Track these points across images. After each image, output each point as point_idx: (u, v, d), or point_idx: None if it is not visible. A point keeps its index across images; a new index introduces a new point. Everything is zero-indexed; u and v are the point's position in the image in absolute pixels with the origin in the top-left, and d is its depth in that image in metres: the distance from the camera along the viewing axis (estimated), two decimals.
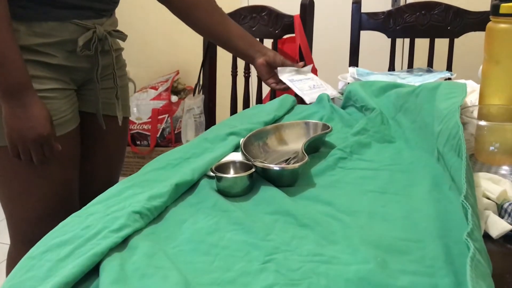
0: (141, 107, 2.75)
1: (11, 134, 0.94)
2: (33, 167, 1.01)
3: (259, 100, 1.77)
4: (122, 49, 1.25)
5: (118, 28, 1.18)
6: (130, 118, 2.70)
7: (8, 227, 1.09)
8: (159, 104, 2.75)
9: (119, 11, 1.19)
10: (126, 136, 1.31)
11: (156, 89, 2.78)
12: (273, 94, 1.71)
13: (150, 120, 2.76)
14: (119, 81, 1.20)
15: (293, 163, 0.84)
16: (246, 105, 1.81)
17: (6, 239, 1.13)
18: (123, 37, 1.18)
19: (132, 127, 2.77)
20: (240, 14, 1.75)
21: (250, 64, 1.76)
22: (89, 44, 1.06)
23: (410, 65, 1.70)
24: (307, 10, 1.61)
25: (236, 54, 1.37)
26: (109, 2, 1.10)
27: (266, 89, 1.77)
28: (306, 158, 0.79)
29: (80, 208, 0.72)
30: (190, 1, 1.29)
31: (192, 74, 2.92)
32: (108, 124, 1.18)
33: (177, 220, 0.69)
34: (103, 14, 1.10)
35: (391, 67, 1.71)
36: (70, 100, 1.08)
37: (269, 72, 1.28)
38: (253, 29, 1.72)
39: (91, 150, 1.20)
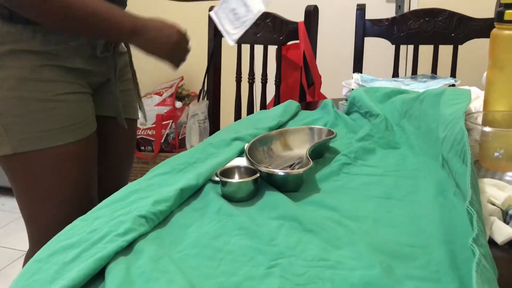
0: (145, 113, 2.76)
1: (164, 54, 1.04)
2: (55, 172, 1.01)
3: (263, 106, 1.77)
4: (127, 52, 1.25)
5: None
6: None
7: (28, 231, 1.08)
8: (164, 109, 2.75)
9: None
10: (135, 139, 1.32)
11: (161, 95, 2.79)
12: (277, 100, 1.72)
13: (154, 125, 2.76)
14: (126, 84, 1.21)
15: (298, 169, 0.84)
16: (250, 110, 1.82)
17: (10, 244, 1.13)
18: None
19: (137, 132, 2.78)
20: None
21: (254, 70, 1.77)
22: (108, 45, 1.08)
23: (414, 71, 1.70)
24: (312, 16, 1.62)
25: None
26: (121, 2, 1.11)
27: (270, 95, 1.78)
28: (311, 163, 0.79)
29: None
30: None
31: (196, 80, 2.93)
32: (119, 127, 1.19)
33: (182, 225, 0.70)
34: None
35: (395, 74, 1.71)
36: (89, 104, 1.09)
37: None
38: (258, 35, 1.73)
39: (103, 153, 1.20)
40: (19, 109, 0.96)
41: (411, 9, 2.44)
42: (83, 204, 1.07)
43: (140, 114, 1.27)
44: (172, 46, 1.04)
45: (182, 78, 2.94)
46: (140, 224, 0.66)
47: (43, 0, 0.88)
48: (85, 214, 0.72)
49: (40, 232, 1.07)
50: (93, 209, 0.73)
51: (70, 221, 1.01)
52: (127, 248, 0.62)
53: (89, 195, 1.11)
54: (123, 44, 1.16)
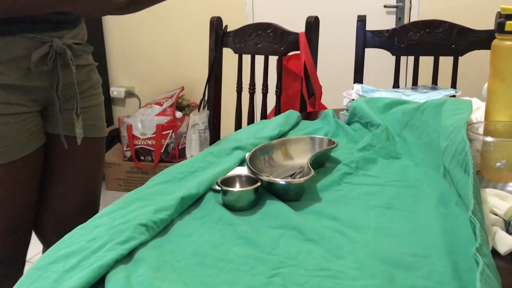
0: (145, 123, 2.77)
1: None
2: None
3: (264, 116, 1.77)
4: (93, 64, 1.17)
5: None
6: (134, 133, 2.73)
7: None
8: (164, 119, 2.76)
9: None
10: (99, 158, 1.23)
11: (161, 105, 2.80)
12: (278, 110, 1.72)
13: (154, 135, 2.76)
14: (92, 99, 1.15)
15: (299, 178, 0.83)
16: (251, 120, 1.82)
17: None
18: (88, 49, 1.11)
19: (137, 142, 2.78)
20: (245, 31, 1.77)
21: (254, 80, 1.78)
22: (46, 59, 0.98)
23: (415, 82, 1.71)
24: (312, 27, 1.62)
25: None
26: (67, 13, 1.02)
27: (270, 105, 1.78)
28: (312, 172, 0.79)
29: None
30: None
31: (196, 90, 2.94)
32: (75, 146, 1.10)
33: (182, 234, 0.69)
34: (62, 27, 1.02)
35: (396, 84, 1.72)
36: (28, 124, 1.02)
37: None
38: (259, 46, 1.74)
39: (60, 172, 1.14)
40: None
41: (411, 20, 2.45)
42: (13, 225, 1.05)
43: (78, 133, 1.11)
44: None
45: (182, 88, 2.95)
46: (141, 233, 0.65)
47: None
48: (85, 223, 0.71)
49: None
50: (93, 217, 0.73)
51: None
52: (127, 257, 0.61)
53: (19, 218, 1.06)
54: (78, 57, 1.07)
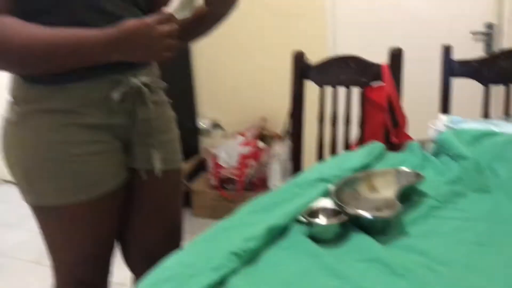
0: (230, 153, 2.86)
1: (147, 54, 0.97)
2: (62, 231, 1.07)
3: (347, 147, 1.77)
4: (166, 100, 1.23)
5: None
6: (219, 163, 2.83)
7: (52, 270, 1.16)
8: (247, 150, 2.83)
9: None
10: (177, 188, 1.28)
11: (244, 135, 2.88)
12: (361, 142, 1.72)
13: (238, 165, 2.84)
14: (168, 134, 1.21)
15: (385, 212, 0.83)
16: (333, 151, 1.83)
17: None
18: (161, 85, 1.17)
19: (221, 171, 2.87)
20: (328, 64, 1.80)
21: (337, 111, 1.79)
22: (125, 97, 1.05)
23: (506, 113, 1.63)
24: (396, 59, 1.62)
25: None
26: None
27: (353, 136, 1.78)
28: (399, 206, 0.79)
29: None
30: None
31: (279, 121, 2.99)
32: (155, 179, 1.16)
33: (270, 263, 0.72)
34: (138, 66, 1.09)
35: (485, 115, 1.65)
36: (112, 160, 1.09)
37: None
38: (341, 77, 1.76)
39: (141, 204, 1.20)
40: (38, 167, 1.02)
41: (502, 47, 2.35)
42: (87, 268, 1.13)
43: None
44: (146, 44, 0.95)
45: (265, 119, 3.02)
46: (231, 260, 0.69)
47: None
48: (180, 250, 0.76)
49: (61, 270, 1.14)
50: (187, 245, 0.78)
51: (85, 263, 1.05)
52: (220, 284, 0.65)
53: (104, 245, 1.14)
54: (146, 95, 1.11)
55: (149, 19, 0.93)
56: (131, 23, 0.93)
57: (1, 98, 1.26)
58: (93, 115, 1.04)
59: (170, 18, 0.95)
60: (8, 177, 1.18)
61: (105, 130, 1.07)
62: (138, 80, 1.08)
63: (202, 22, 1.15)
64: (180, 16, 0.99)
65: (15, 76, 1.03)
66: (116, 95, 1.03)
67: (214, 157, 2.89)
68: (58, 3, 0.97)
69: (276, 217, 0.83)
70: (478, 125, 1.30)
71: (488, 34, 2.42)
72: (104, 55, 0.95)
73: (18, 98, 1.03)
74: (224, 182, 2.89)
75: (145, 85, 1.09)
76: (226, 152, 2.87)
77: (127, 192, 1.16)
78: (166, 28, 0.94)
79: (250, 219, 0.85)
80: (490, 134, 1.14)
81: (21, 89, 1.02)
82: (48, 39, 0.92)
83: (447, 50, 1.67)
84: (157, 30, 0.93)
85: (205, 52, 3.21)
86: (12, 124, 1.03)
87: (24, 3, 0.96)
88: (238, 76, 3.15)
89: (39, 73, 0.98)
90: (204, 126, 3.28)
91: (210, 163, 2.90)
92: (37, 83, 1.00)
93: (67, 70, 0.99)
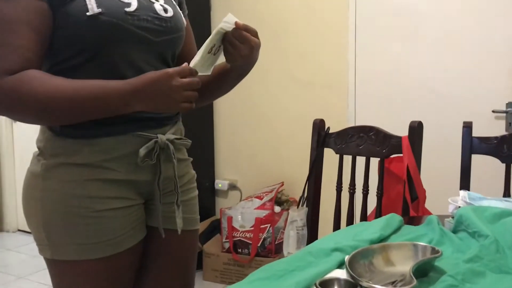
0: (245, 215, 2.84)
1: (167, 103, 0.98)
2: (88, 281, 1.05)
3: (364, 218, 1.75)
4: (189, 159, 1.25)
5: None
6: (234, 225, 2.81)
7: None
8: (263, 213, 2.81)
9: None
10: (193, 249, 1.29)
11: (261, 199, 2.87)
12: (378, 213, 1.70)
13: (252, 228, 2.81)
14: (188, 193, 1.22)
15: (401, 286, 0.81)
16: (350, 221, 1.80)
17: None
18: (187, 143, 1.18)
19: (235, 234, 2.84)
20: (347, 133, 1.82)
21: (355, 180, 1.79)
22: (151, 154, 1.06)
23: None
24: (416, 132, 1.63)
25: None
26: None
27: (371, 206, 1.76)
28: (414, 282, 0.77)
29: None
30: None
31: (296, 186, 2.99)
32: (172, 238, 1.17)
33: None
34: (165, 123, 1.13)
35: (506, 193, 1.63)
36: (133, 216, 1.10)
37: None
38: (360, 147, 1.77)
39: (157, 262, 1.20)
40: (59, 221, 1.03)
41: None
42: None
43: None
44: (166, 94, 0.97)
45: (282, 184, 3.02)
46: None
47: (15, 101, 0.93)
48: None
49: None
50: None
51: None
52: None
53: None
54: (177, 151, 1.15)
55: (170, 70, 0.97)
56: (153, 73, 0.98)
57: (27, 151, 1.29)
58: (118, 170, 1.06)
59: (191, 71, 0.99)
60: (23, 227, 1.19)
61: (129, 186, 1.08)
62: (166, 137, 1.10)
63: (224, 79, 1.20)
64: (200, 71, 1.03)
65: (44, 129, 1.06)
66: (142, 151, 1.05)
67: (229, 219, 2.87)
68: (97, 59, 1.02)
69: (289, 286, 0.82)
70: (498, 203, 1.28)
71: (510, 113, 2.44)
72: (126, 104, 0.98)
73: (45, 151, 1.05)
74: (237, 246, 2.85)
75: (172, 142, 1.12)
76: (242, 214, 2.86)
77: (144, 248, 1.16)
78: (186, 79, 0.97)
79: (261, 285, 0.84)
80: (511, 213, 1.12)
81: (50, 142, 1.05)
82: (72, 90, 0.95)
83: (468, 126, 1.68)
84: (177, 80, 0.96)
85: (227, 114, 3.28)
86: (37, 176, 1.05)
87: (63, 58, 1.01)
88: (258, 139, 3.19)
89: (64, 124, 1.01)
90: (221, 187, 3.29)
91: (224, 225, 2.88)
92: (66, 136, 1.03)
93: (97, 125, 1.02)
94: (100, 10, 0.98)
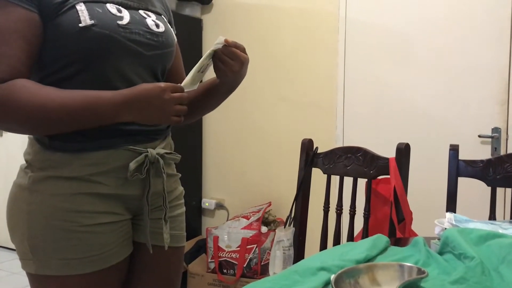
0: (231, 235, 2.82)
1: (158, 116, 1.00)
2: None
3: (351, 238, 1.75)
4: (178, 174, 1.25)
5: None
6: (220, 245, 2.79)
7: None
8: (249, 233, 2.79)
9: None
10: (179, 266, 1.27)
11: (248, 219, 2.86)
12: (365, 233, 1.70)
13: (238, 249, 2.79)
14: (175, 209, 1.22)
15: None
16: (336, 241, 1.80)
17: None
18: (176, 158, 1.19)
19: (221, 254, 2.81)
20: (335, 153, 1.82)
21: (342, 201, 1.79)
22: (141, 168, 1.07)
23: None
24: (403, 153, 1.64)
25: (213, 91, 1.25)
26: (160, 124, 1.11)
27: (358, 227, 1.76)
28: None
29: None
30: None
31: (283, 206, 2.98)
32: (158, 254, 1.16)
33: None
34: (155, 138, 1.13)
35: (492, 216, 1.64)
36: (121, 232, 1.09)
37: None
38: (348, 168, 1.77)
39: (141, 279, 1.19)
40: (45, 235, 1.01)
41: (508, 151, 2.39)
42: None
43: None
44: (157, 106, 0.99)
45: (270, 204, 3.02)
46: None
47: (3, 109, 0.92)
48: None
49: None
50: None
51: None
52: None
53: None
54: (166, 166, 1.15)
55: (163, 84, 1.00)
56: (146, 85, 0.99)
57: (11, 164, 1.27)
58: (107, 184, 1.05)
59: (181, 88, 1.03)
60: (5, 243, 1.16)
61: (118, 200, 1.07)
62: (156, 152, 1.10)
63: (213, 94, 1.21)
64: (188, 88, 1.07)
65: (33, 142, 1.05)
66: (132, 165, 1.04)
67: (216, 238, 2.85)
68: (88, 71, 1.02)
69: None
70: (484, 225, 1.29)
71: (495, 138, 2.47)
72: (117, 115, 0.98)
73: (33, 164, 1.04)
74: (223, 266, 2.82)
75: (161, 156, 1.12)
76: (228, 234, 2.84)
77: (130, 263, 1.14)
78: (177, 94, 1.00)
79: None
80: (496, 235, 1.13)
81: (39, 155, 1.03)
82: (62, 99, 0.95)
83: (454, 149, 1.70)
84: (169, 94, 0.99)
85: (215, 132, 3.29)
86: (24, 189, 1.03)
87: (53, 69, 1.01)
88: (246, 159, 3.19)
89: (54, 134, 1.00)
90: (208, 206, 3.27)
91: (210, 245, 2.86)
92: (56, 149, 1.02)
93: (87, 138, 1.01)
94: (93, 22, 0.98)
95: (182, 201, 1.27)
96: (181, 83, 1.23)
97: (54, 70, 1.00)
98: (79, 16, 0.98)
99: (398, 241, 1.43)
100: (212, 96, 1.23)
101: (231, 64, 1.07)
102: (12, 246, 1.08)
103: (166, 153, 1.14)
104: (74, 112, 0.96)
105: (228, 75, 1.09)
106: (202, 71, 1.10)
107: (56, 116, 0.95)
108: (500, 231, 1.23)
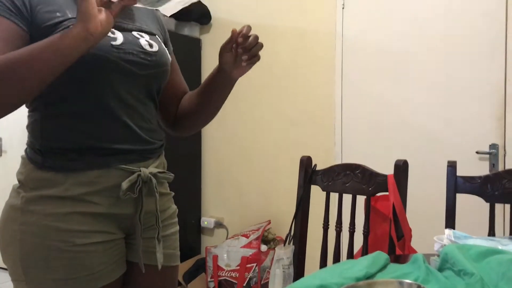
0: (231, 254, 2.81)
1: (92, 24, 0.90)
2: None
3: (350, 255, 1.74)
4: (171, 193, 1.25)
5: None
6: (219, 264, 2.77)
7: None
8: (249, 252, 2.78)
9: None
10: (173, 285, 1.26)
11: (247, 237, 2.85)
12: (365, 251, 1.69)
13: (238, 267, 2.78)
14: (169, 228, 1.21)
15: None
16: (336, 259, 1.79)
17: None
18: (169, 177, 1.18)
19: (221, 273, 2.80)
20: (334, 171, 1.83)
21: (342, 218, 1.79)
22: (133, 187, 1.06)
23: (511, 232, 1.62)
24: (401, 170, 1.65)
25: (214, 85, 1.23)
26: (153, 143, 1.13)
27: (357, 245, 1.76)
28: None
29: None
30: (180, 112, 1.28)
31: (283, 224, 2.98)
32: (152, 274, 1.15)
33: None
34: (148, 157, 1.13)
35: (491, 233, 1.64)
36: (114, 251, 1.09)
37: (233, 60, 1.15)
38: (347, 185, 1.78)
39: None
40: (38, 255, 1.00)
41: (506, 168, 2.39)
42: None
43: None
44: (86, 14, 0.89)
45: (269, 222, 3.01)
46: None
47: None
48: None
49: None
50: None
51: None
52: None
53: None
54: (159, 185, 1.14)
55: None
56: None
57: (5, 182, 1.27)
58: (100, 203, 1.05)
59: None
60: None
61: (111, 220, 1.07)
62: (149, 171, 1.10)
63: (215, 88, 1.21)
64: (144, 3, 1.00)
65: (26, 162, 1.05)
66: (125, 184, 1.04)
67: (215, 257, 2.83)
68: (83, 90, 1.03)
69: None
70: (483, 241, 1.29)
71: (493, 154, 2.48)
72: (78, 41, 0.91)
73: (26, 183, 1.04)
74: (222, 285, 2.80)
75: (154, 175, 1.12)
76: (228, 253, 2.83)
77: (123, 283, 1.14)
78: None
79: None
80: (496, 251, 1.13)
81: (32, 174, 1.04)
82: (27, 49, 0.90)
83: (452, 166, 1.71)
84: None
85: (214, 150, 3.29)
86: (16, 209, 1.03)
87: (48, 90, 1.00)
88: (245, 177, 3.19)
89: (32, 93, 0.93)
90: (207, 224, 3.26)
91: (210, 264, 2.84)
92: (49, 169, 1.02)
93: (80, 157, 1.02)
94: None
95: (176, 219, 1.27)
96: (180, 95, 1.24)
97: (49, 91, 1.00)
98: None
99: (398, 258, 1.43)
100: (214, 91, 1.21)
101: (254, 60, 1.11)
102: (4, 266, 1.07)
103: (159, 172, 1.14)
104: (40, 54, 0.89)
105: (246, 69, 1.13)
106: None
107: (25, 65, 0.89)
108: (500, 247, 1.23)
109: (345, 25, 2.85)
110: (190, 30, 3.27)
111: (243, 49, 1.12)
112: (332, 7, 2.88)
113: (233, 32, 1.12)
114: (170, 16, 3.10)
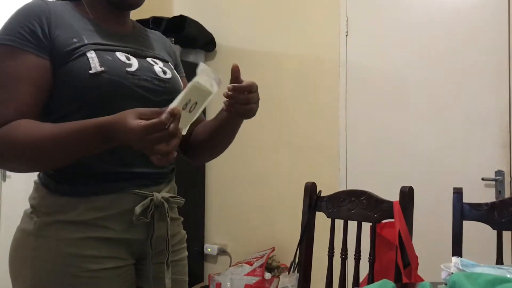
0: (234, 282, 2.77)
1: (136, 145, 0.88)
2: None
3: (356, 283, 1.72)
4: (180, 218, 1.25)
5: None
6: None
7: None
8: (253, 280, 2.75)
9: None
10: None
11: (251, 265, 2.82)
12: (371, 278, 1.67)
13: None
14: (179, 253, 1.21)
15: None
16: (342, 287, 1.76)
17: None
18: (180, 202, 1.17)
19: None
20: (339, 197, 1.82)
21: (347, 245, 1.76)
22: (146, 212, 1.06)
23: None
24: (407, 197, 1.64)
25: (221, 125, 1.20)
26: (165, 167, 1.13)
27: (363, 272, 1.73)
28: None
29: None
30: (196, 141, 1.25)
31: (287, 252, 2.94)
32: None
33: None
34: (160, 181, 1.13)
35: (499, 261, 1.61)
36: (125, 277, 1.08)
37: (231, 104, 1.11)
38: (352, 211, 1.76)
39: None
40: (50, 281, 0.99)
41: None
42: None
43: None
44: (137, 138, 0.86)
45: (273, 249, 2.98)
46: None
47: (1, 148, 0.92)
48: None
49: None
50: None
51: None
52: None
53: None
54: (170, 210, 1.13)
55: (143, 122, 0.86)
56: (125, 119, 0.88)
57: (15, 209, 1.26)
58: (113, 228, 1.04)
59: (164, 122, 0.86)
60: None
61: (122, 245, 1.07)
62: (161, 195, 1.10)
63: (223, 129, 1.20)
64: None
65: (38, 187, 1.06)
66: (138, 209, 1.04)
67: (218, 285, 2.79)
68: (95, 116, 1.02)
69: None
70: (491, 270, 1.26)
71: (499, 181, 2.47)
72: (104, 139, 0.92)
73: (39, 208, 1.04)
74: None
75: (166, 200, 1.11)
76: (231, 281, 2.79)
77: None
78: (154, 136, 0.85)
79: None
80: (504, 280, 1.11)
81: (45, 199, 1.04)
82: (53, 130, 0.94)
83: (458, 192, 1.69)
84: (148, 135, 0.85)
85: (218, 177, 3.29)
86: (29, 234, 1.03)
87: (61, 114, 1.02)
88: (248, 203, 3.17)
89: (52, 168, 1.00)
90: (211, 251, 3.23)
91: None
92: (62, 194, 1.02)
93: (94, 182, 1.02)
94: (103, 68, 1.01)
95: (185, 245, 1.26)
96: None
97: (62, 115, 1.02)
98: (89, 63, 1.00)
99: (405, 286, 1.40)
100: (222, 131, 1.19)
101: (247, 109, 1.09)
102: None
103: (171, 196, 1.14)
104: (65, 140, 0.92)
105: (245, 116, 1.11)
106: (190, 110, 0.95)
107: (49, 147, 0.92)
108: (508, 275, 1.20)
109: (348, 53, 2.87)
110: (195, 57, 3.31)
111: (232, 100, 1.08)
112: (336, 35, 2.91)
113: (228, 88, 1.09)
114: (176, 43, 3.14)
